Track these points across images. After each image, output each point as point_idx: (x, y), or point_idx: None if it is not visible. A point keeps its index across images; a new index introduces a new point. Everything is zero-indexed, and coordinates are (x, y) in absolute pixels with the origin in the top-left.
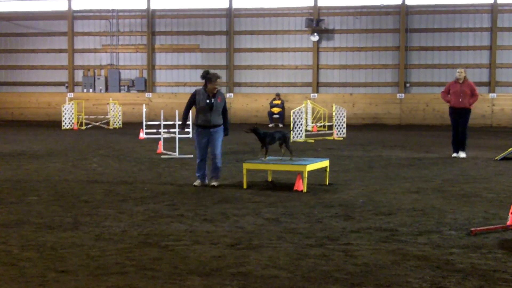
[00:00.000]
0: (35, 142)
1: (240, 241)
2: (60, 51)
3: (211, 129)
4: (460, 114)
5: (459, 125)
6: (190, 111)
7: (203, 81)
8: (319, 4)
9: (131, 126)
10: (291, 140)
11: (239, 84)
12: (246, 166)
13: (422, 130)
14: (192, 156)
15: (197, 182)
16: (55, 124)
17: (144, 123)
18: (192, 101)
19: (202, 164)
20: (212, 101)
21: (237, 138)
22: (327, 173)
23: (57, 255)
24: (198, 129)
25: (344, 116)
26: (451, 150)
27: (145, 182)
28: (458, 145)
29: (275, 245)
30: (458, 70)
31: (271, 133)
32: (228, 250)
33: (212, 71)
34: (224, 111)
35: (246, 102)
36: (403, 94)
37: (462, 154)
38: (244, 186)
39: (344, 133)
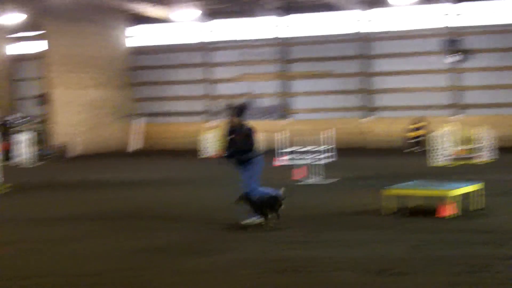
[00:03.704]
0: (180, 169)
1: (384, 268)
2: (198, 81)
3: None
4: None
5: None
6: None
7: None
8: (456, 24)
9: (267, 153)
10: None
11: (377, 109)
12: (385, 192)
13: None
14: (336, 180)
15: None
16: (196, 152)
17: (280, 150)
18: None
19: None
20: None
21: (365, 163)
22: (474, 197)
23: (198, 279)
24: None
25: (490, 138)
26: None
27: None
28: None
29: (423, 273)
30: None
31: (261, 198)
32: (372, 277)
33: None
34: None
35: (384, 127)
36: None
37: None
38: (385, 213)
39: (492, 156)
